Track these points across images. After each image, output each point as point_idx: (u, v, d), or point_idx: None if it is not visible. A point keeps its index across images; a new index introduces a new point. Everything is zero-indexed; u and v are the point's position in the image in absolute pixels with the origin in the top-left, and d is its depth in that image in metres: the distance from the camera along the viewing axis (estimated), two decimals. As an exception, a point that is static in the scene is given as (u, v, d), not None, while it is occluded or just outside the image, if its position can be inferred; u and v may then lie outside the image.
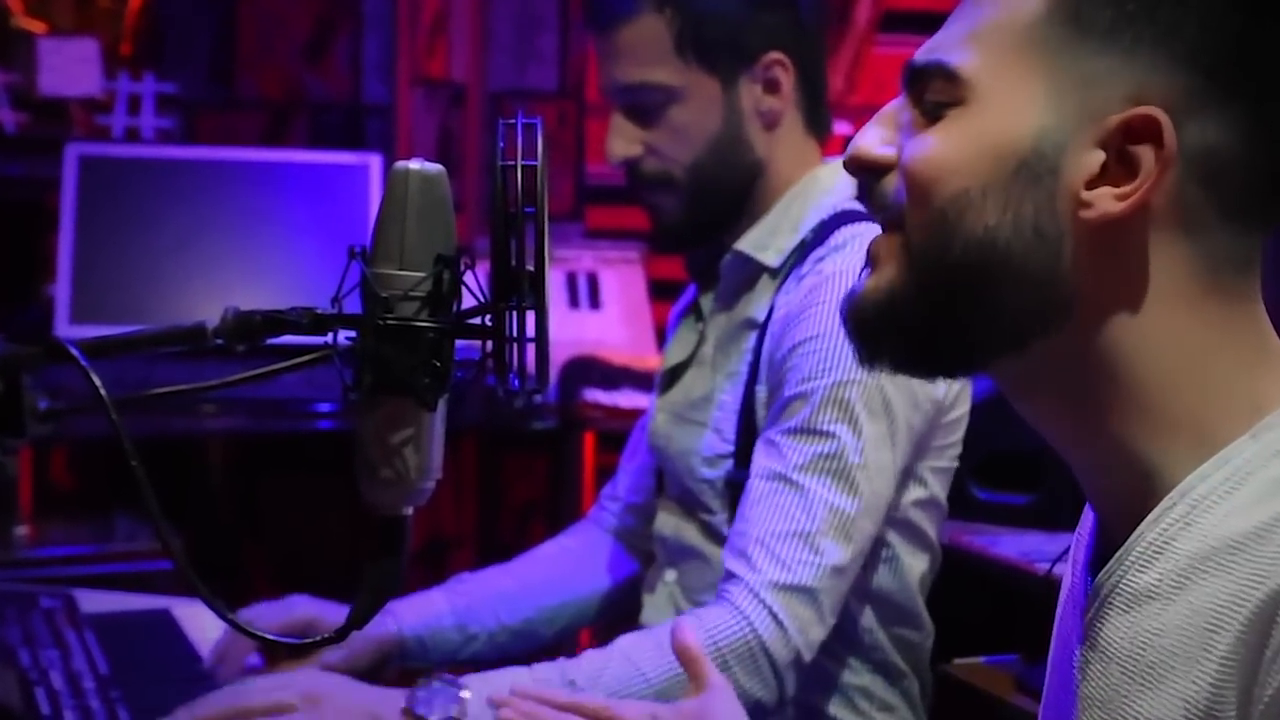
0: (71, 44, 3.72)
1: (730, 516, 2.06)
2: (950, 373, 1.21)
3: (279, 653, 2.11)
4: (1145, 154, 1.07)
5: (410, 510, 1.17)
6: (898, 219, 1.14)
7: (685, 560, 2.19)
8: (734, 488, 2.06)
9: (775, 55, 2.11)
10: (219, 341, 1.17)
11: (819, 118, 2.18)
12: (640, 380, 3.42)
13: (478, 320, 1.11)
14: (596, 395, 3.50)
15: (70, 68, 3.68)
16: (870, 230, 2.02)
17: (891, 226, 1.16)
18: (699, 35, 2.08)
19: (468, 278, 1.12)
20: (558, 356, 3.47)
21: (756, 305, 2.12)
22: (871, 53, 4.10)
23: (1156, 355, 1.10)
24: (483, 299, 1.11)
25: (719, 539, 2.09)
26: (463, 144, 4.28)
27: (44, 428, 1.19)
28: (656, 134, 2.12)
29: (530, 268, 1.09)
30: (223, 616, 1.20)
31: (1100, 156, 1.08)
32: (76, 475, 3.81)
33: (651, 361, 3.38)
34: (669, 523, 2.22)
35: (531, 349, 1.10)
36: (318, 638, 1.21)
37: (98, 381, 1.14)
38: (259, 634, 1.23)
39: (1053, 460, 2.46)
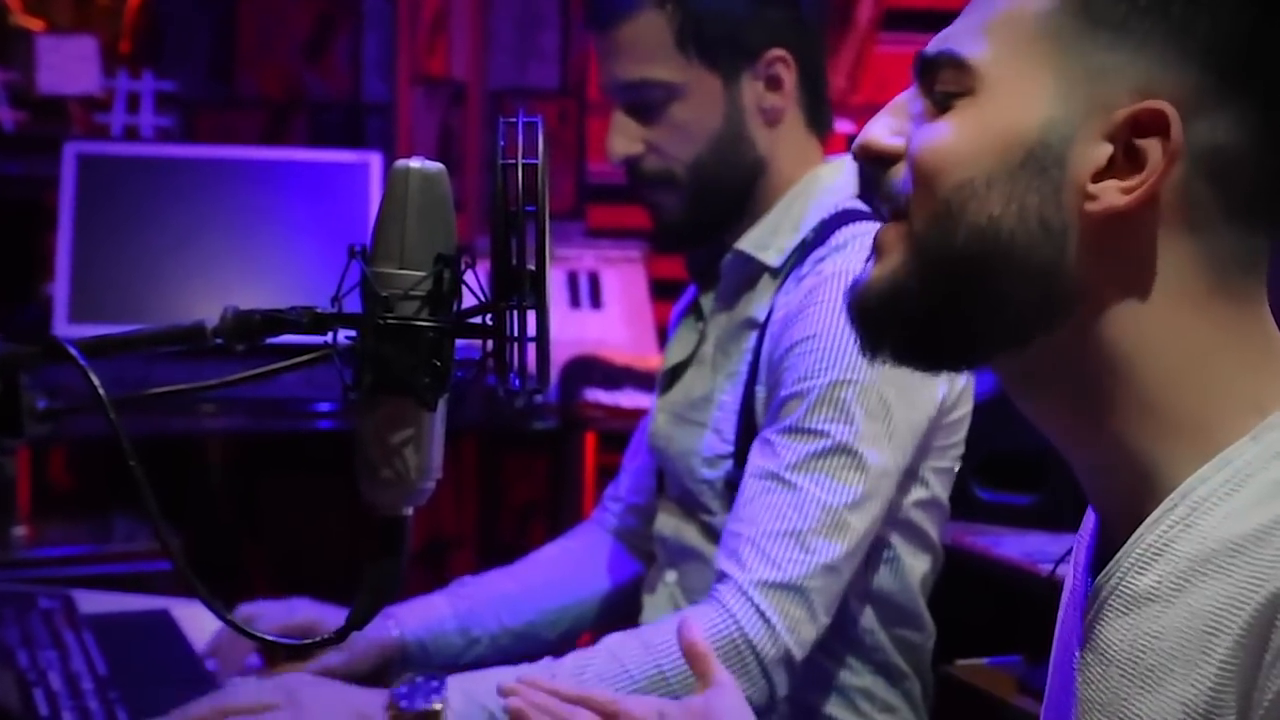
0: (70, 42, 3.71)
1: (731, 517, 2.06)
2: (952, 365, 1.22)
3: (278, 654, 2.11)
4: (1152, 148, 1.07)
5: (410, 510, 1.17)
6: (904, 209, 1.15)
7: (686, 561, 2.18)
8: (734, 488, 2.05)
9: (777, 52, 2.11)
10: (218, 341, 1.17)
11: (820, 115, 2.18)
12: (642, 380, 3.42)
13: (478, 319, 1.11)
14: (597, 395, 3.50)
15: (69, 66, 3.68)
16: (872, 230, 2.03)
17: (897, 216, 1.16)
18: (701, 31, 2.08)
19: (468, 277, 1.12)
20: (558, 356, 3.46)
21: (757, 305, 2.12)
22: (873, 51, 4.09)
23: (1159, 353, 1.09)
24: (483, 298, 1.11)
25: (719, 540, 2.08)
26: (463, 142, 4.28)
27: (42, 427, 1.20)
28: (658, 132, 2.12)
29: (531, 267, 1.09)
30: (222, 618, 1.20)
31: (1107, 149, 1.08)
32: (75, 475, 3.80)
33: (653, 361, 3.38)
34: (669, 523, 2.22)
35: (532, 348, 1.10)
36: (317, 639, 1.22)
37: (96, 381, 1.14)
38: (259, 635, 1.23)
39: (1056, 461, 2.45)
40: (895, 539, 2.07)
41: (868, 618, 2.09)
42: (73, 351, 1.16)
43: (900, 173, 1.16)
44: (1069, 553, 2.02)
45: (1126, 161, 1.08)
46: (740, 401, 2.08)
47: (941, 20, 1.18)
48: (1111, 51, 1.08)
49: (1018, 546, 2.47)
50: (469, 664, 2.22)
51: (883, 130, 1.17)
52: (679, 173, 2.12)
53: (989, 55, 1.12)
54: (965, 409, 2.09)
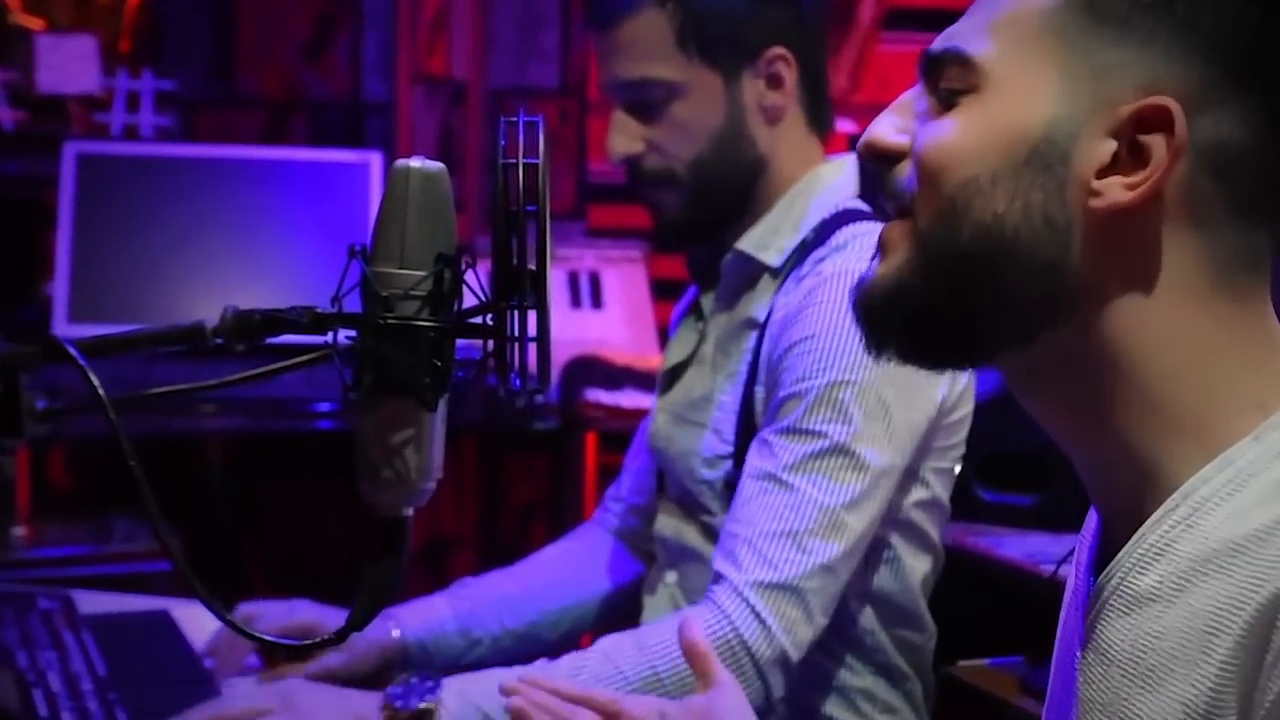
0: (70, 41, 3.71)
1: (732, 518, 2.06)
2: (957, 363, 1.22)
3: (278, 654, 2.11)
4: (1156, 143, 1.07)
5: (411, 511, 1.16)
6: (909, 206, 1.15)
7: (686, 562, 2.18)
8: (733, 489, 2.05)
9: (778, 50, 2.10)
10: (218, 341, 1.17)
11: (821, 114, 2.18)
12: (642, 380, 3.42)
13: (479, 319, 1.11)
14: (598, 395, 3.49)
15: (68, 65, 3.67)
16: (872, 230, 2.03)
17: (902, 214, 1.16)
18: (701, 29, 2.07)
19: (469, 277, 1.12)
20: (559, 356, 3.46)
21: (757, 305, 2.11)
22: (876, 51, 4.09)
23: (1162, 350, 1.09)
24: (484, 298, 1.11)
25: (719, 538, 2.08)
26: (464, 142, 4.28)
27: (42, 428, 1.20)
28: (658, 130, 2.11)
29: (532, 266, 1.08)
30: (222, 618, 1.19)
31: (1111, 146, 1.08)
32: (75, 475, 3.80)
33: (654, 361, 3.37)
34: (669, 524, 2.21)
35: (533, 348, 1.10)
36: (317, 639, 1.21)
37: (96, 381, 1.14)
38: (259, 635, 1.22)
39: (1058, 461, 2.46)
40: (895, 539, 2.07)
41: (868, 618, 2.09)
42: (72, 351, 1.16)
43: (905, 171, 1.15)
44: (1071, 553, 2.01)
45: (1131, 158, 1.08)
46: (740, 402, 2.08)
47: (944, 19, 1.19)
48: (1116, 48, 1.08)
49: (1020, 547, 2.47)
50: (470, 665, 2.22)
51: (888, 128, 1.17)
52: (680, 171, 2.12)
53: (994, 53, 1.12)
54: (966, 409, 2.09)
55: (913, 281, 1.14)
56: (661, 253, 3.58)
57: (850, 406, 1.94)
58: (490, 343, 1.10)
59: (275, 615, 2.16)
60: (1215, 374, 1.09)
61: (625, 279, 3.90)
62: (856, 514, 1.94)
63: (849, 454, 1.94)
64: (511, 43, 4.31)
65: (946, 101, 1.13)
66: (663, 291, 3.77)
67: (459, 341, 1.12)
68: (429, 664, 2.20)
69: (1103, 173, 1.08)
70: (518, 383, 1.10)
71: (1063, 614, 1.25)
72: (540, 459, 4.25)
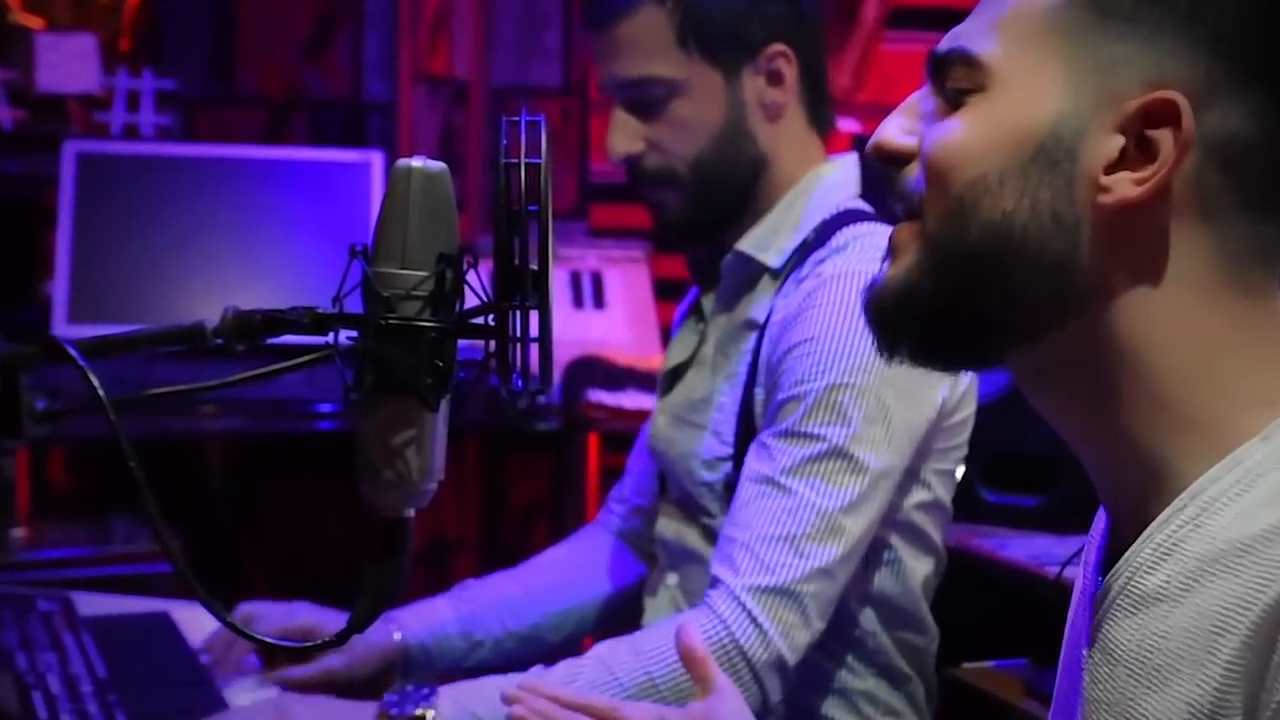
0: (70, 40, 3.70)
1: (732, 520, 2.05)
2: (968, 363, 1.24)
3: (278, 656, 2.11)
4: (1164, 138, 1.07)
5: (412, 512, 1.16)
6: (918, 208, 1.15)
7: (687, 564, 2.18)
8: (733, 491, 2.04)
9: (778, 47, 2.10)
10: (219, 341, 1.17)
11: (821, 111, 2.17)
12: (645, 381, 3.41)
13: (480, 320, 1.11)
14: (600, 396, 3.49)
15: (68, 64, 3.67)
16: (874, 230, 2.03)
17: (911, 215, 1.16)
18: (701, 27, 2.07)
19: (470, 277, 1.11)
20: (561, 357, 3.46)
21: (757, 306, 2.11)
22: (879, 50, 4.08)
23: (1171, 347, 1.09)
24: (485, 298, 1.11)
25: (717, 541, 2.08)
26: (465, 141, 4.27)
27: (42, 428, 1.20)
28: (658, 129, 2.11)
29: (534, 267, 1.08)
30: (222, 620, 1.20)
31: (1119, 141, 1.08)
32: (74, 476, 3.80)
33: (656, 362, 3.37)
34: (670, 526, 2.21)
35: (535, 349, 1.09)
36: (318, 641, 1.21)
37: (96, 382, 1.14)
38: (259, 637, 1.22)
39: (1063, 462, 2.47)
40: (896, 541, 2.06)
41: (869, 620, 2.08)
42: (72, 352, 1.16)
43: (914, 172, 1.16)
44: (1076, 555, 2.01)
45: (1138, 153, 1.08)
46: (739, 403, 2.08)
47: (947, 18, 1.19)
48: (1121, 43, 1.08)
49: (1024, 549, 2.46)
50: (472, 667, 2.23)
51: (895, 130, 1.17)
52: (680, 170, 2.11)
53: (1000, 51, 1.12)
54: (967, 411, 2.08)
55: (923, 283, 1.14)
56: (664, 252, 3.57)
57: (849, 409, 1.94)
58: (492, 343, 1.10)
59: (276, 616, 2.16)
60: (1224, 371, 1.09)
61: (628, 279, 3.90)
62: (854, 517, 1.94)
63: (847, 457, 1.94)
64: (513, 42, 4.30)
65: (953, 101, 1.14)
66: (665, 292, 3.77)
67: (461, 342, 1.12)
68: (430, 666, 2.20)
69: (1111, 168, 1.08)
70: (520, 383, 1.10)
71: (1070, 613, 1.25)
72: (542, 460, 4.25)
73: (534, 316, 1.09)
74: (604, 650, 1.93)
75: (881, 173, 1.19)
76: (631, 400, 3.43)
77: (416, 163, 1.11)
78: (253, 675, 2.10)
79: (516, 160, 1.07)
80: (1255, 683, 1.00)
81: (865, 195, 2.13)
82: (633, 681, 1.88)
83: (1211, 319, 1.09)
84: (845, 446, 1.94)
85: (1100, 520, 1.22)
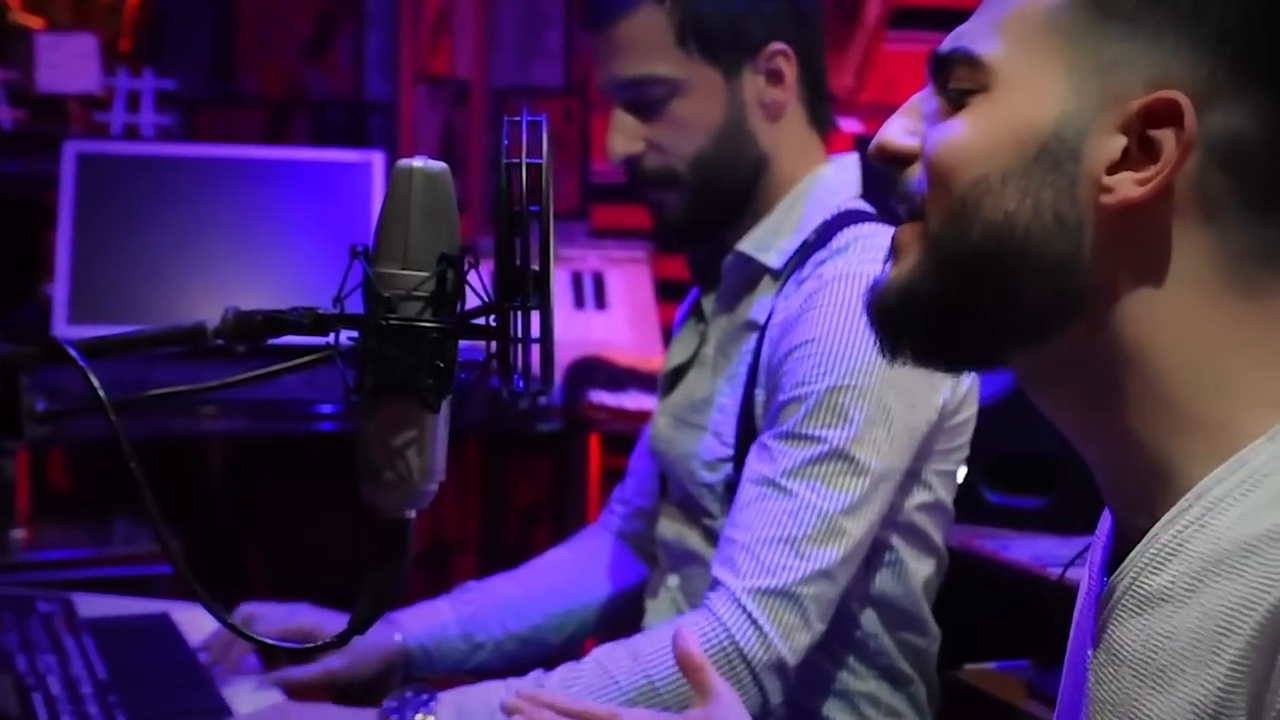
0: (70, 40, 3.70)
1: (733, 521, 2.05)
2: (970, 364, 1.24)
3: (279, 657, 2.11)
4: (1166, 138, 1.07)
5: (413, 513, 1.16)
6: (920, 208, 1.15)
7: (688, 565, 2.17)
8: (734, 492, 2.04)
9: (778, 45, 2.10)
10: (219, 342, 1.17)
11: (821, 111, 2.17)
12: (646, 381, 3.41)
13: (482, 320, 1.11)
14: (602, 397, 3.49)
15: (69, 64, 3.67)
16: (875, 231, 2.03)
17: (914, 216, 1.16)
18: (701, 26, 2.07)
19: (471, 277, 1.11)
20: (563, 357, 3.46)
21: (757, 307, 2.11)
22: (881, 50, 4.08)
23: (1174, 347, 1.09)
24: (487, 299, 1.11)
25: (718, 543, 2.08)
26: (467, 141, 4.27)
27: (42, 429, 1.20)
28: (658, 129, 2.10)
29: (535, 267, 1.08)
30: (223, 621, 1.20)
31: (1121, 141, 1.08)
32: (74, 477, 3.79)
33: (658, 363, 3.36)
34: (671, 527, 2.21)
35: (536, 350, 1.09)
36: (319, 642, 1.21)
37: (96, 382, 1.14)
38: (261, 639, 1.22)
39: (1066, 463, 2.46)
40: (898, 542, 2.06)
41: (870, 621, 2.08)
42: (72, 352, 1.16)
43: (916, 172, 1.16)
44: (1078, 556, 2.01)
45: (1141, 153, 1.08)
46: (740, 404, 2.07)
47: (950, 18, 1.19)
48: (1123, 43, 1.08)
49: (1027, 550, 2.46)
50: (473, 669, 2.23)
51: (898, 130, 1.17)
52: (680, 170, 2.11)
53: (1002, 52, 1.12)
54: (969, 412, 2.08)
55: (925, 283, 1.14)
56: (665, 253, 3.57)
57: (850, 411, 1.94)
58: (493, 344, 1.10)
59: (276, 618, 2.16)
60: (1228, 372, 1.09)
61: (629, 280, 3.89)
62: (855, 519, 1.94)
63: (848, 459, 1.93)
64: (515, 41, 4.30)
65: (956, 102, 1.14)
66: (667, 292, 3.76)
67: (462, 343, 1.12)
68: (431, 668, 2.20)
69: (1113, 169, 1.08)
70: (521, 384, 1.10)
71: (1076, 614, 1.25)
72: (543, 461, 4.25)
73: (535, 317, 1.08)
74: (603, 654, 1.93)
75: (883, 173, 1.19)
76: (633, 401, 3.43)
77: (418, 163, 1.11)
78: (253, 676, 2.10)
79: (518, 160, 1.07)
80: (1259, 683, 1.00)
81: (866, 195, 2.12)
82: (632, 685, 1.88)
83: (1214, 319, 1.09)
84: (846, 448, 1.93)
85: (1105, 521, 1.22)
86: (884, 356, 1.17)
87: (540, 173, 1.07)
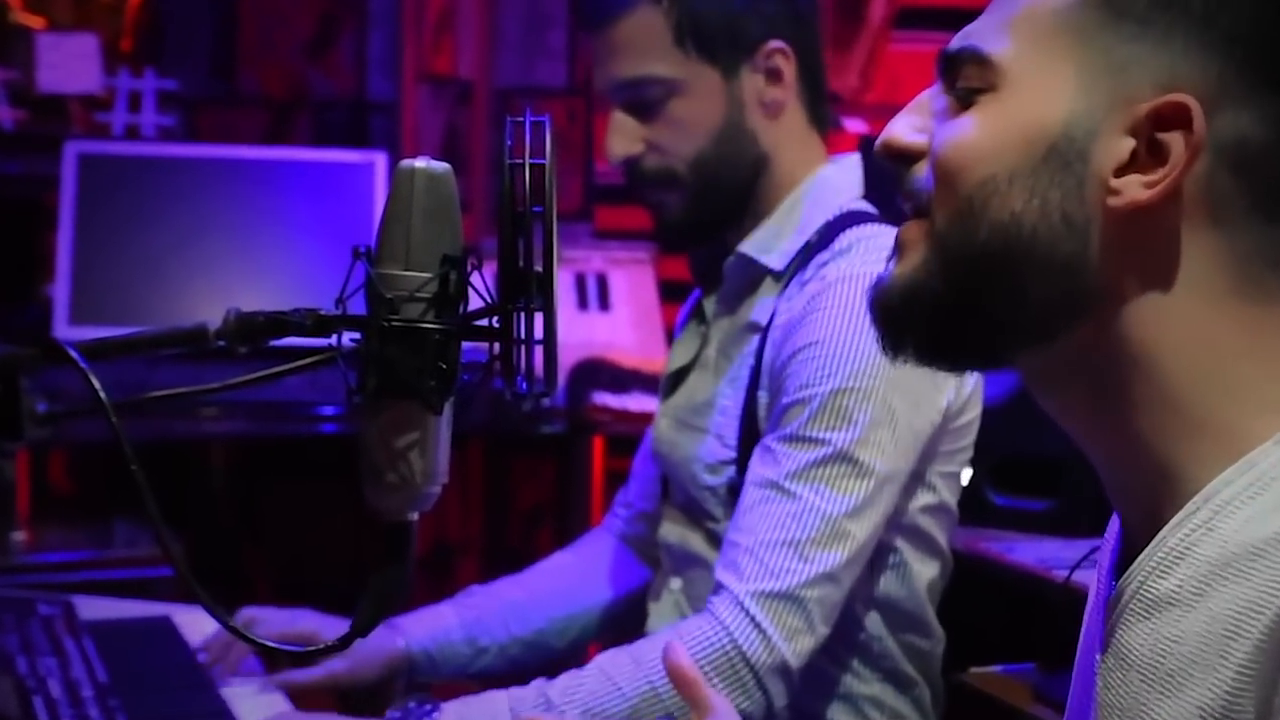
0: (71, 40, 3.70)
1: (736, 524, 2.04)
2: (974, 363, 1.24)
3: (280, 660, 2.10)
4: (1175, 141, 1.07)
5: (416, 515, 1.16)
6: (926, 206, 1.14)
7: (691, 568, 2.17)
8: (737, 494, 2.04)
9: (776, 44, 2.09)
10: (221, 343, 1.16)
11: (821, 109, 2.17)
12: (650, 383, 3.41)
13: (485, 322, 1.11)
14: (605, 398, 3.49)
15: (69, 64, 3.67)
16: (877, 232, 2.02)
17: (920, 214, 1.15)
18: (698, 25, 2.06)
19: (474, 278, 1.11)
20: (566, 359, 3.46)
21: (759, 308, 2.10)
22: (886, 50, 4.08)
23: (1181, 350, 1.09)
24: (490, 300, 1.10)
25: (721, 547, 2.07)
26: (469, 142, 4.27)
27: (42, 431, 1.19)
28: (657, 129, 2.10)
29: (538, 268, 1.08)
30: (224, 624, 1.19)
31: (1130, 143, 1.08)
32: (75, 480, 3.79)
33: (661, 364, 3.36)
34: (674, 531, 2.20)
35: (539, 351, 1.09)
36: (321, 645, 1.20)
37: (97, 384, 1.13)
38: (262, 641, 1.22)
39: (1071, 465, 2.46)
40: (902, 544, 2.06)
41: (875, 624, 2.07)
42: (73, 354, 1.15)
43: (922, 170, 1.15)
44: (1084, 558, 2.00)
45: (1149, 155, 1.08)
46: (742, 407, 2.07)
47: (955, 18, 1.19)
48: (1133, 44, 1.08)
49: (1032, 552, 2.45)
50: (476, 674, 2.23)
51: (905, 128, 1.17)
52: (680, 170, 2.10)
53: (1011, 51, 1.11)
54: (973, 413, 2.07)
55: (930, 282, 1.13)
56: (668, 254, 3.57)
57: (855, 413, 1.93)
58: (496, 345, 1.10)
59: (277, 622, 2.15)
60: (1235, 375, 1.09)
61: (633, 281, 3.89)
62: (859, 522, 1.93)
63: (852, 461, 1.93)
64: (518, 41, 4.30)
65: (964, 100, 1.13)
66: (671, 293, 3.76)
67: (465, 344, 1.11)
68: (435, 672, 2.20)
69: (1121, 171, 1.08)
70: (524, 386, 1.09)
71: (1085, 617, 1.25)
72: (547, 463, 4.25)
73: (538, 318, 1.08)
74: (606, 660, 1.92)
75: (887, 172, 1.19)
76: (636, 403, 3.43)
77: (420, 163, 1.11)
78: (255, 678, 2.10)
79: (521, 161, 1.07)
80: (1268, 687, 1.00)
81: (868, 195, 2.12)
82: (635, 691, 1.88)
83: (1221, 322, 1.09)
84: (850, 451, 1.93)
85: (1114, 524, 1.21)
86: (886, 355, 1.17)
87: (543, 173, 1.07)
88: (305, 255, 3.44)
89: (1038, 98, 1.10)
